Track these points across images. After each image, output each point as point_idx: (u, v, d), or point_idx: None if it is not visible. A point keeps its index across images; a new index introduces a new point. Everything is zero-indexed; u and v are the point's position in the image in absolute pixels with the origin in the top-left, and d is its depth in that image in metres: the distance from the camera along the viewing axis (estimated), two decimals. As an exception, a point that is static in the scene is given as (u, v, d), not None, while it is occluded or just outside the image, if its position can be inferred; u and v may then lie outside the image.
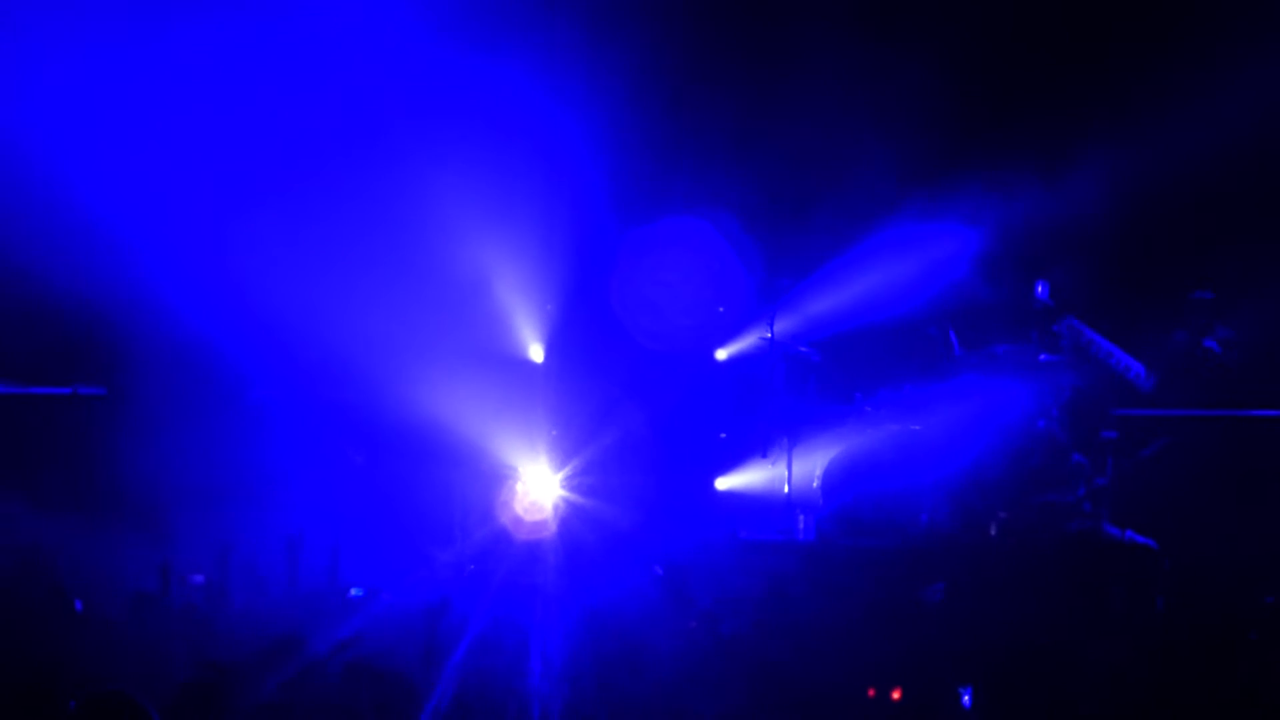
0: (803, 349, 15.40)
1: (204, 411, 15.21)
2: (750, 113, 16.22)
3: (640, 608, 11.66)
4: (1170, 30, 15.34)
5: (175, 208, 14.98)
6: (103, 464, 14.72)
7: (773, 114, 16.13)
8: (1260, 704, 9.97)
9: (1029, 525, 13.79)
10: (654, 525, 14.30)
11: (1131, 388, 14.23)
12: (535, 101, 15.54)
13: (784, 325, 15.32)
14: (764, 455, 15.19)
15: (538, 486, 15.13)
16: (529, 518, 14.64)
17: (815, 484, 14.73)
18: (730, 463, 15.54)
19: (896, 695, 10.58)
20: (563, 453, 15.39)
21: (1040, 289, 14.74)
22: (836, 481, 14.60)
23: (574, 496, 15.07)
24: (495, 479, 15.17)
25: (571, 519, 14.77)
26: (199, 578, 13.37)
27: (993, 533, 13.95)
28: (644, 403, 15.58)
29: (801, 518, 14.78)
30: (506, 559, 13.55)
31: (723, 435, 15.82)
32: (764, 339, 15.32)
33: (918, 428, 14.57)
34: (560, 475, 15.26)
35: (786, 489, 14.90)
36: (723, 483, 15.56)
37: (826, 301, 15.68)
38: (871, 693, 10.63)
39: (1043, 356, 14.59)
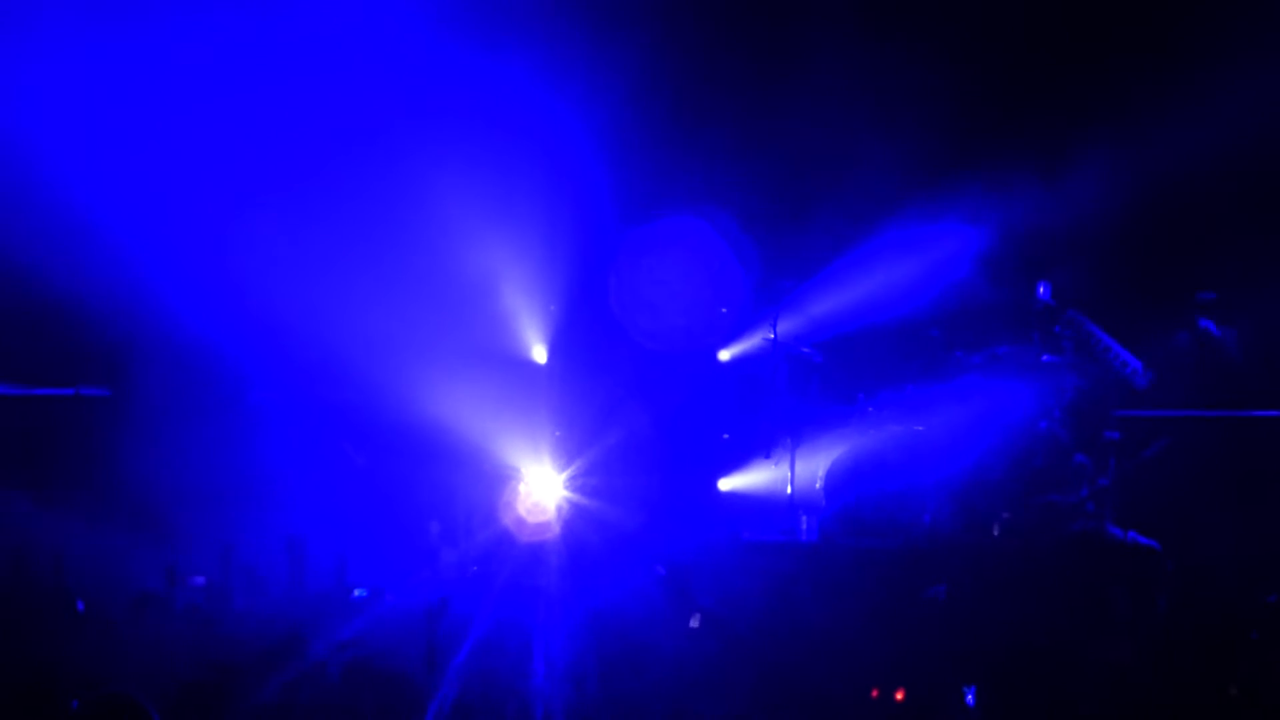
0: (805, 350, 15.39)
1: (206, 413, 15.22)
2: (753, 113, 16.21)
3: (643, 609, 11.66)
4: (1172, 31, 15.33)
5: (176, 209, 14.98)
6: (105, 465, 14.73)
7: (776, 114, 16.12)
8: (1262, 704, 9.98)
9: (1031, 526, 13.79)
10: (657, 526, 14.29)
11: (1128, 384, 14.23)
12: (538, 101, 15.54)
13: (787, 326, 15.30)
14: (767, 456, 15.17)
15: (541, 487, 15.12)
16: (532, 519, 14.64)
17: (818, 485, 14.71)
18: (733, 463, 15.53)
19: (900, 696, 10.58)
20: (566, 454, 15.38)
21: (1042, 290, 14.73)
22: (839, 482, 14.59)
23: (577, 497, 15.06)
24: (498, 480, 15.16)
25: (575, 520, 14.77)
26: (199, 579, 13.37)
27: (995, 533, 13.94)
28: (647, 404, 15.57)
29: (804, 518, 14.76)
30: (510, 560, 13.55)
31: (726, 436, 15.81)
32: (767, 340, 15.30)
33: (920, 428, 14.56)
34: (563, 476, 15.25)
35: (789, 490, 14.89)
36: (726, 483, 15.54)
37: (829, 302, 15.66)
38: (875, 693, 10.63)
39: (1045, 357, 14.58)
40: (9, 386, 14.94)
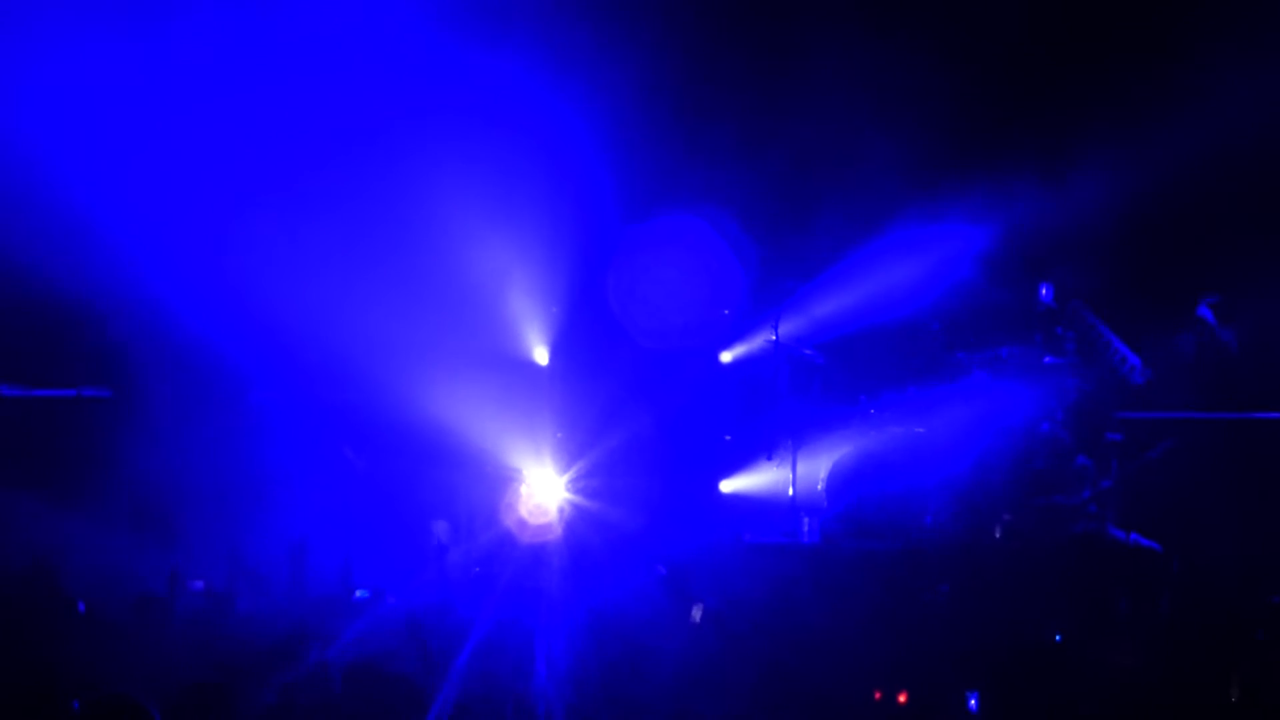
0: (807, 351, 15.39)
1: (208, 414, 15.21)
2: (756, 113, 16.21)
3: (644, 610, 11.65)
4: (1174, 32, 15.32)
5: (178, 209, 14.97)
6: (106, 466, 14.72)
7: (778, 114, 16.12)
8: (1266, 705, 9.97)
9: (1033, 528, 13.80)
10: (659, 528, 14.28)
11: (1125, 381, 14.24)
12: (541, 101, 15.53)
13: (788, 327, 15.30)
14: (769, 458, 15.17)
15: (543, 489, 15.12)
16: (534, 520, 14.64)
17: (820, 486, 14.71)
18: (735, 465, 15.52)
19: (903, 699, 10.58)
20: (568, 455, 15.38)
21: (1044, 291, 14.74)
22: (841, 484, 14.59)
23: (579, 499, 15.06)
24: (500, 481, 15.16)
25: (576, 521, 14.77)
26: (199, 583, 13.37)
27: (997, 535, 13.94)
28: (649, 405, 15.56)
29: (806, 520, 14.75)
30: (511, 561, 13.55)
31: (727, 437, 15.80)
32: (769, 341, 15.30)
33: (922, 430, 14.56)
34: (565, 478, 15.25)
35: (791, 491, 14.88)
36: (727, 485, 15.53)
37: (831, 303, 15.66)
38: (878, 695, 10.63)
39: (1047, 359, 14.58)
40: (11, 388, 14.93)
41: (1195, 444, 13.97)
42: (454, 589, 12.53)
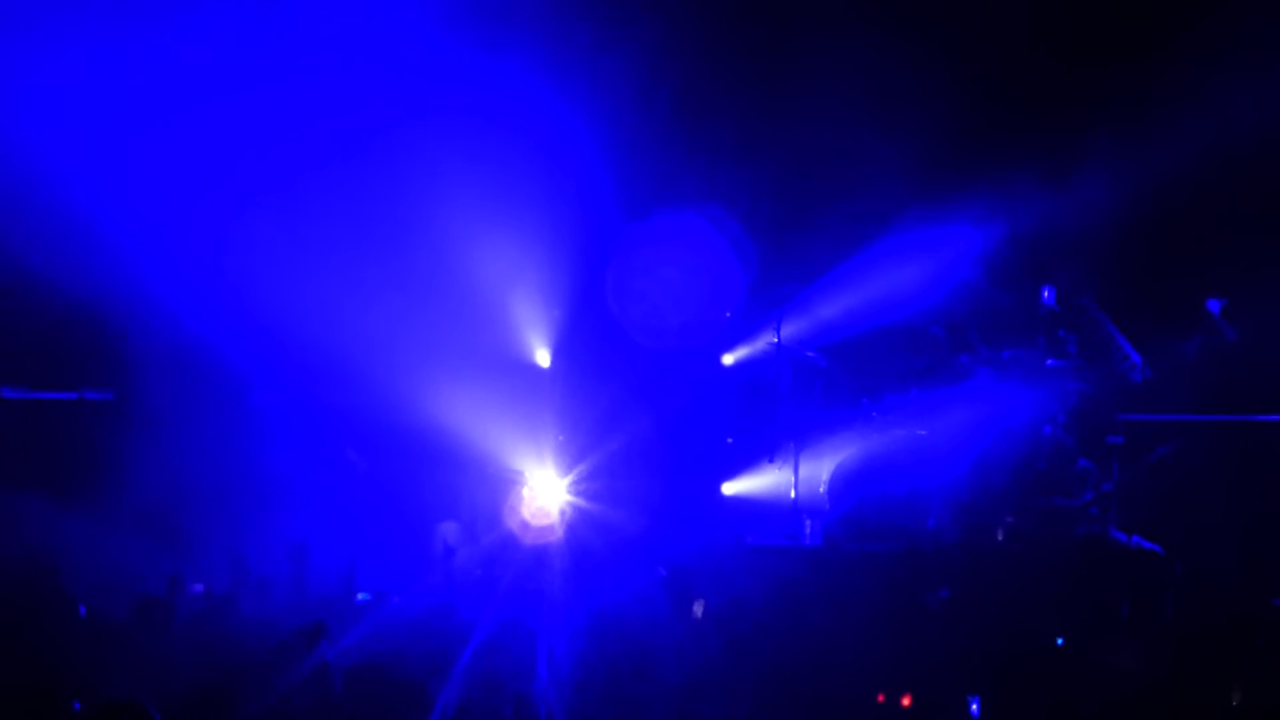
0: (809, 353, 15.39)
1: (210, 417, 15.21)
2: (757, 115, 16.20)
3: (646, 612, 11.65)
4: (1175, 33, 15.31)
5: (179, 211, 14.97)
6: (108, 469, 14.72)
7: (780, 116, 16.12)
8: (1268, 707, 9.97)
9: (1035, 530, 13.79)
10: (660, 530, 14.28)
11: (1124, 377, 14.24)
12: (541, 102, 15.52)
13: (790, 329, 15.30)
14: (771, 460, 15.16)
15: (544, 491, 15.12)
16: (536, 522, 14.64)
17: (822, 489, 14.71)
18: (737, 468, 15.51)
19: (906, 702, 10.58)
20: (569, 457, 15.38)
21: (1046, 294, 14.74)
22: (843, 486, 14.58)
23: (581, 501, 15.06)
24: (502, 484, 15.16)
25: (578, 524, 14.76)
26: (198, 586, 13.38)
27: (999, 538, 13.94)
28: (651, 407, 15.56)
29: (808, 522, 14.75)
30: (513, 563, 13.54)
31: (729, 440, 15.80)
32: (771, 343, 15.30)
33: (924, 433, 14.56)
34: (567, 480, 15.25)
35: (793, 494, 14.88)
36: (729, 488, 15.53)
37: (833, 306, 15.66)
38: (881, 698, 10.63)
39: (1050, 362, 14.58)
40: (12, 390, 14.93)
41: (1197, 446, 13.96)
42: (458, 591, 12.53)
